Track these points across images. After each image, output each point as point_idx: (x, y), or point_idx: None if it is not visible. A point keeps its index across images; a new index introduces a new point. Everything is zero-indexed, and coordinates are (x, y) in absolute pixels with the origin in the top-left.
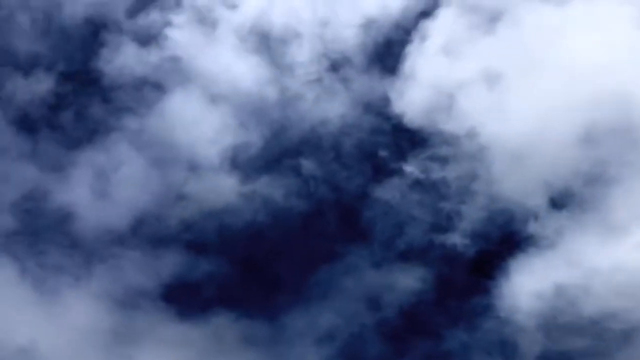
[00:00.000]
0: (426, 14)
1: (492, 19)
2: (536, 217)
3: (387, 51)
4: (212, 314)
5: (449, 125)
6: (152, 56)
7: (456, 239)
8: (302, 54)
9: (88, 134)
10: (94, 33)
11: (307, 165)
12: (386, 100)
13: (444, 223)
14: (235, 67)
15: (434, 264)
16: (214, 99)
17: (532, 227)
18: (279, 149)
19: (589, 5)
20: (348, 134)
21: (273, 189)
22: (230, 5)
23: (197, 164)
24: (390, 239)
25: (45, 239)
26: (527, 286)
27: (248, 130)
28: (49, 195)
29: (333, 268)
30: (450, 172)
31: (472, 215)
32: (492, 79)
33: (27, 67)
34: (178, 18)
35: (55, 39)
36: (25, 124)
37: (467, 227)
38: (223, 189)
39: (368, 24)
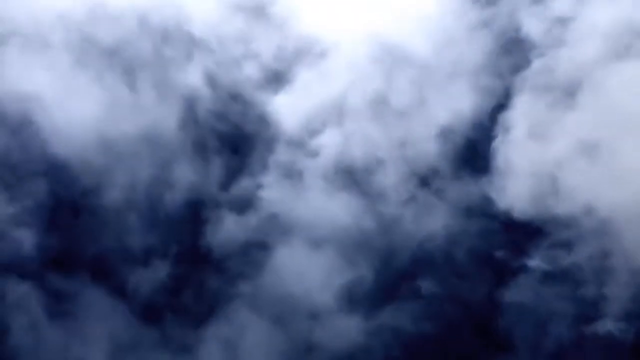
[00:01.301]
0: (501, 106)
1: (570, 91)
2: None
3: (473, 152)
4: None
5: (562, 208)
6: (251, 220)
7: (609, 326)
8: (390, 178)
9: (209, 308)
10: (195, 213)
11: (426, 285)
12: (488, 200)
13: (591, 311)
14: (330, 208)
15: (593, 358)
16: (317, 244)
17: None
18: (393, 276)
19: None
20: (458, 243)
21: (398, 318)
22: (311, 154)
23: (317, 311)
24: (535, 342)
25: None
26: None
27: (357, 265)
28: None
29: None
30: (580, 256)
31: (618, 295)
32: (589, 150)
33: (143, 259)
34: (267, 179)
35: (163, 228)
36: (150, 313)
37: (617, 309)
38: (348, 330)
39: (445, 132)
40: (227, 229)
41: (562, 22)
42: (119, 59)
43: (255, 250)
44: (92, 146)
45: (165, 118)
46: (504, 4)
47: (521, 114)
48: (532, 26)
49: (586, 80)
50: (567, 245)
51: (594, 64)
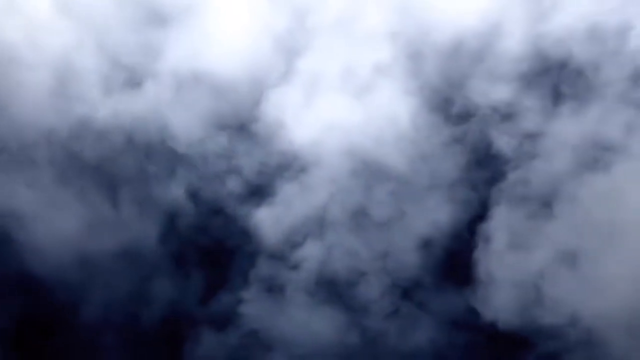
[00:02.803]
0: (480, 217)
1: (546, 202)
2: None
3: (454, 263)
4: None
5: (547, 318)
6: (231, 337)
7: None
8: (372, 290)
9: None
10: (174, 330)
11: None
12: (472, 312)
13: None
14: (312, 323)
15: None
16: None
17: None
18: None
19: (629, 166)
20: (444, 358)
21: None
22: (292, 267)
23: None
24: None
25: None
26: None
27: None
28: None
29: None
30: None
31: None
32: (570, 259)
33: None
34: (248, 293)
35: (140, 346)
36: None
37: None
38: None
39: (426, 244)
40: (206, 347)
41: (532, 137)
42: (102, 175)
43: None
44: (71, 263)
45: (146, 233)
46: (475, 121)
47: (500, 225)
48: (503, 142)
49: (561, 191)
50: (555, 357)
51: (566, 175)
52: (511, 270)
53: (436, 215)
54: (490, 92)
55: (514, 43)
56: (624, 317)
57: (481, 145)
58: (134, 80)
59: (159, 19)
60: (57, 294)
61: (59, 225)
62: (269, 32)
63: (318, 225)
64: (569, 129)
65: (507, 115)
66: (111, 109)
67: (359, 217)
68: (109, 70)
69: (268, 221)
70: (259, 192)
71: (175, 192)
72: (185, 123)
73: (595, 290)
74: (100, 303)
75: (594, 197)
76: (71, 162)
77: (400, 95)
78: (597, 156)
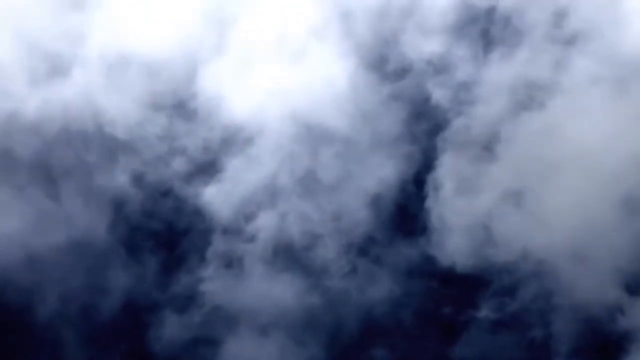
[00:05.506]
0: (427, 167)
1: (488, 146)
2: (622, 311)
3: (406, 215)
4: None
5: (500, 256)
6: (195, 316)
7: None
8: (329, 252)
9: None
10: (135, 318)
11: (378, 353)
12: (428, 259)
13: (542, 354)
14: (274, 291)
15: None
16: (265, 330)
17: (622, 322)
18: (344, 350)
19: (562, 101)
20: (405, 306)
21: None
22: (248, 239)
23: None
24: None
25: None
26: None
27: (307, 345)
28: None
29: None
30: (524, 299)
31: (565, 333)
32: (514, 198)
33: None
34: (206, 272)
35: (102, 338)
36: None
37: (565, 348)
38: None
39: (376, 200)
40: (171, 330)
41: (467, 85)
42: (40, 170)
43: (203, 347)
44: (18, 263)
45: (94, 224)
46: (411, 76)
47: (446, 173)
48: (441, 93)
49: (501, 133)
50: (511, 291)
51: (504, 118)
52: (461, 215)
53: (383, 171)
54: (423, 45)
55: None
56: (570, 246)
57: (419, 98)
58: (60, 68)
59: (77, 1)
60: (8, 296)
61: (1, 226)
62: (196, 5)
63: (269, 194)
64: (501, 73)
65: (441, 66)
66: (40, 100)
67: (308, 182)
68: (31, 60)
69: (218, 197)
70: (205, 169)
71: (119, 179)
72: (121, 107)
73: (542, 224)
74: (55, 300)
75: (533, 135)
76: (5, 161)
77: (336, 57)
78: (531, 96)
